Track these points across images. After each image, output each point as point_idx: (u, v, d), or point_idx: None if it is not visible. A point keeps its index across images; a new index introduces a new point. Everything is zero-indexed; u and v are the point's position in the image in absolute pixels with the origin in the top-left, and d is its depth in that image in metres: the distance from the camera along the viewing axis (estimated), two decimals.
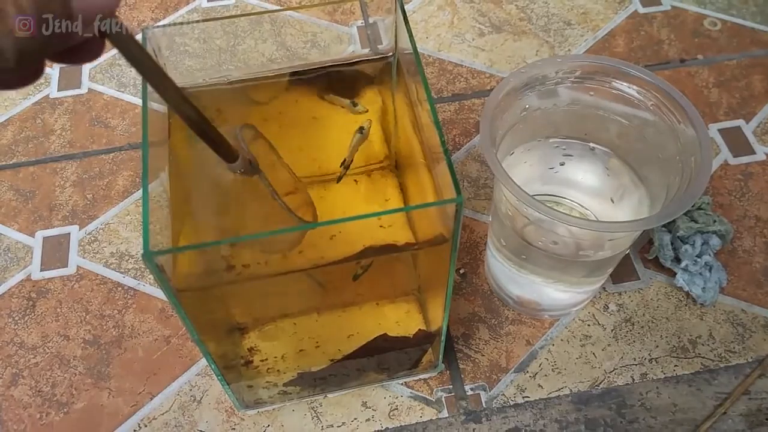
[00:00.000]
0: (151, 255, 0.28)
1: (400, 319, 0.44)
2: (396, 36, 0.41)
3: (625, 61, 0.42)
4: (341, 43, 0.65)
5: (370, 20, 0.68)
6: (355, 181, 0.46)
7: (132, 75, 0.62)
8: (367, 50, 0.49)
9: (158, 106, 0.41)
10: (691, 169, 0.39)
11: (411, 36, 0.37)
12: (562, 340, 0.47)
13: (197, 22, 0.40)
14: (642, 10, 0.66)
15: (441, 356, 0.43)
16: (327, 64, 0.45)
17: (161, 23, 0.66)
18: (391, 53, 0.42)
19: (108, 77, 0.62)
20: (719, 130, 0.57)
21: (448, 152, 0.32)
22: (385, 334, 0.42)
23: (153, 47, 0.38)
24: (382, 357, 0.43)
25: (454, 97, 0.60)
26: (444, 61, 0.63)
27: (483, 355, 0.46)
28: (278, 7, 0.67)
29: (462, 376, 0.45)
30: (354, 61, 0.45)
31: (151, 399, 0.44)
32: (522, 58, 0.63)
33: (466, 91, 0.61)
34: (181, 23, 0.41)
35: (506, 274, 0.47)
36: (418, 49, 0.64)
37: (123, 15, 0.67)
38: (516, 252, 0.44)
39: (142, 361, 0.45)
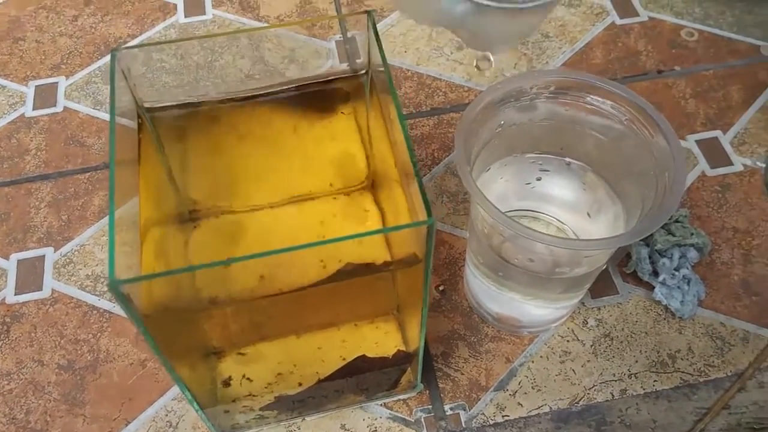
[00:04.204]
0: (117, 284, 0.27)
1: (379, 340, 0.43)
2: (369, 53, 0.41)
3: (598, 75, 0.42)
4: (319, 57, 0.65)
5: (349, 35, 0.68)
6: (334, 198, 0.45)
7: (124, 85, 0.62)
8: (345, 65, 0.49)
9: (128, 121, 0.41)
10: (665, 184, 0.39)
11: (382, 54, 0.37)
12: (541, 356, 0.47)
13: (165, 42, 0.39)
14: (619, 21, 0.66)
15: (419, 376, 0.42)
16: (301, 83, 0.45)
17: (138, 39, 0.66)
18: (364, 71, 0.42)
19: (84, 95, 0.61)
20: (696, 141, 0.58)
21: (419, 173, 0.32)
22: (364, 355, 0.42)
23: (122, 68, 0.37)
24: (361, 378, 0.43)
25: (432, 112, 0.60)
26: (422, 75, 0.62)
27: (462, 374, 0.46)
28: (256, 22, 0.67)
29: (441, 395, 0.45)
30: (328, 79, 0.44)
31: (127, 425, 0.44)
32: (500, 71, 0.63)
33: (444, 105, 0.60)
34: (150, 44, 0.41)
35: (485, 291, 0.46)
36: (397, 63, 0.65)
37: (99, 31, 0.66)
38: (493, 269, 0.43)
39: (117, 386, 0.45)
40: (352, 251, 0.39)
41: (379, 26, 0.66)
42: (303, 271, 0.37)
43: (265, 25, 0.67)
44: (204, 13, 0.67)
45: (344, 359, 0.41)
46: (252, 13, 0.67)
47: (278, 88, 0.45)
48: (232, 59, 0.61)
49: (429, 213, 0.30)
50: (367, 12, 0.38)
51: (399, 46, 0.65)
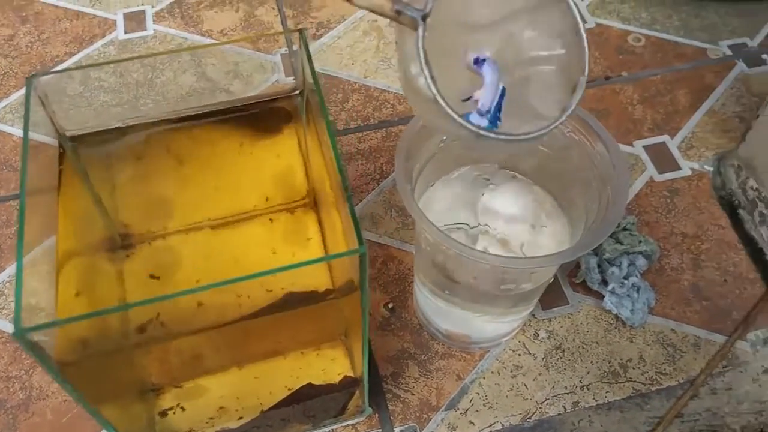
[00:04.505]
0: (24, 333, 0.26)
1: (325, 367, 0.42)
2: (303, 73, 0.39)
3: None
4: (264, 72, 0.63)
5: (294, 47, 0.66)
6: (270, 220, 0.44)
7: (43, 113, 0.59)
8: (291, 79, 0.48)
9: (51, 140, 0.39)
10: (608, 196, 0.38)
11: (314, 74, 0.36)
12: (492, 372, 0.46)
13: (84, 67, 0.38)
14: None
15: (366, 401, 0.41)
16: (239, 103, 0.44)
17: (76, 57, 0.64)
18: (298, 91, 0.41)
19: (18, 117, 0.59)
20: (644, 147, 0.58)
21: (350, 198, 0.31)
22: (310, 383, 0.41)
23: (40, 95, 0.36)
24: (308, 404, 0.42)
25: (380, 124, 0.59)
26: (370, 88, 0.61)
27: (413, 394, 0.45)
28: (199, 37, 0.65)
29: (391, 418, 0.44)
30: (265, 99, 0.43)
31: None
32: None
33: (393, 118, 0.60)
34: (70, 69, 0.39)
35: (433, 308, 0.45)
36: (344, 76, 0.64)
37: (35, 50, 0.64)
38: (439, 286, 0.43)
39: (51, 424, 0.43)
40: (292, 277, 0.38)
41: (325, 38, 0.65)
42: (241, 298, 0.36)
43: (208, 40, 0.65)
44: (145, 29, 0.65)
45: (290, 389, 0.40)
46: (195, 28, 0.66)
47: (215, 108, 0.44)
48: (174, 75, 0.59)
49: (360, 241, 0.29)
50: (299, 30, 0.37)
51: (346, 58, 0.64)
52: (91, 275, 0.39)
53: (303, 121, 0.41)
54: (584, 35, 0.29)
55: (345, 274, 0.35)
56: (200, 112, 0.43)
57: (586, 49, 0.29)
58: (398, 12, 0.27)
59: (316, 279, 0.40)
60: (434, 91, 0.27)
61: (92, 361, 0.32)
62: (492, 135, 0.28)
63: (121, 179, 0.43)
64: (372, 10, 0.27)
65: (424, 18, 0.27)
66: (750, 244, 0.51)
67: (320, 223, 0.44)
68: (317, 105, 0.37)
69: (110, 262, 0.41)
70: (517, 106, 0.30)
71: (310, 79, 0.38)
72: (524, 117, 0.31)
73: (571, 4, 0.29)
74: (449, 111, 0.27)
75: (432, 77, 0.27)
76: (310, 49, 0.66)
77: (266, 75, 0.63)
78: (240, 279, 0.30)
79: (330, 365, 0.42)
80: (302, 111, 0.41)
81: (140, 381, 0.39)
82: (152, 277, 0.42)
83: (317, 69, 0.63)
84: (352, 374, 0.41)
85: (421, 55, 0.27)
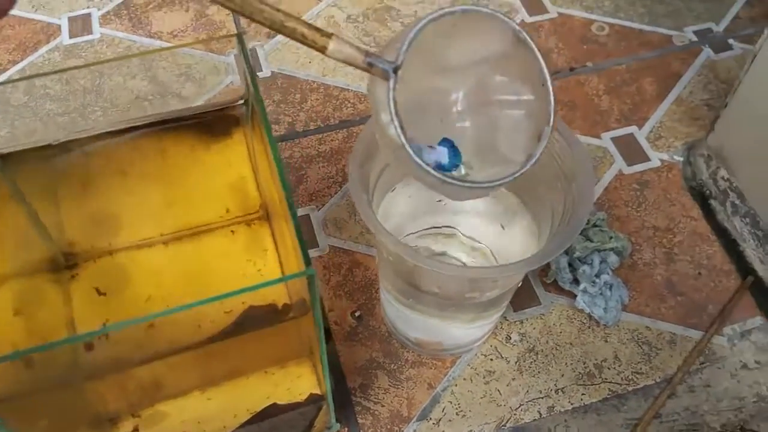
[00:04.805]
0: None
1: (291, 385, 0.40)
2: (246, 80, 0.37)
3: None
4: (218, 74, 0.61)
5: (249, 46, 0.64)
6: (232, 231, 0.42)
7: None
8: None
9: None
10: (573, 197, 0.37)
11: (254, 81, 0.34)
12: (464, 379, 0.44)
13: (22, 79, 0.35)
14: (529, 19, 0.65)
15: (333, 417, 0.39)
16: (187, 114, 0.41)
17: (21, 65, 0.61)
18: (242, 100, 0.38)
19: None
20: (612, 139, 0.56)
21: (296, 215, 0.29)
22: (275, 403, 0.39)
23: None
24: (273, 423, 0.40)
25: (341, 124, 0.57)
26: (329, 87, 0.59)
27: (383, 406, 0.43)
28: (147, 40, 0.62)
29: None
30: (214, 108, 0.41)
31: None
32: None
33: (354, 117, 0.58)
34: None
35: (400, 316, 0.44)
36: (302, 76, 0.61)
37: None
38: (404, 294, 0.41)
39: None
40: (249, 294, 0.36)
41: (280, 36, 0.62)
42: (196, 316, 0.34)
43: (158, 42, 0.63)
44: (91, 33, 0.63)
45: (254, 411, 0.38)
46: (143, 30, 0.63)
47: (162, 118, 0.41)
48: (123, 80, 0.56)
49: (307, 262, 0.27)
50: (237, 35, 0.34)
51: (303, 57, 0.61)
52: (30, 296, 0.37)
53: (250, 130, 0.39)
54: (551, 87, 0.29)
55: (298, 293, 0.33)
56: (146, 122, 0.40)
57: (552, 101, 0.29)
58: (370, 64, 0.27)
59: (274, 294, 0.38)
60: (403, 140, 0.27)
61: (35, 392, 0.30)
62: (457, 182, 0.29)
63: (64, 195, 0.40)
64: (345, 62, 0.27)
65: (395, 70, 0.27)
66: (723, 235, 0.50)
67: (273, 234, 0.42)
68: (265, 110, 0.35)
69: (54, 281, 0.39)
70: (485, 148, 0.31)
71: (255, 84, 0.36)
72: (491, 159, 0.31)
73: (538, 54, 0.29)
74: (417, 159, 0.28)
75: (401, 127, 0.27)
76: (265, 48, 0.64)
77: (220, 77, 0.61)
78: (193, 305, 0.28)
79: (296, 383, 0.40)
80: (248, 120, 0.38)
81: (94, 411, 0.37)
82: (99, 293, 0.40)
83: (273, 69, 0.61)
84: (318, 391, 0.39)
85: (392, 106, 0.27)
